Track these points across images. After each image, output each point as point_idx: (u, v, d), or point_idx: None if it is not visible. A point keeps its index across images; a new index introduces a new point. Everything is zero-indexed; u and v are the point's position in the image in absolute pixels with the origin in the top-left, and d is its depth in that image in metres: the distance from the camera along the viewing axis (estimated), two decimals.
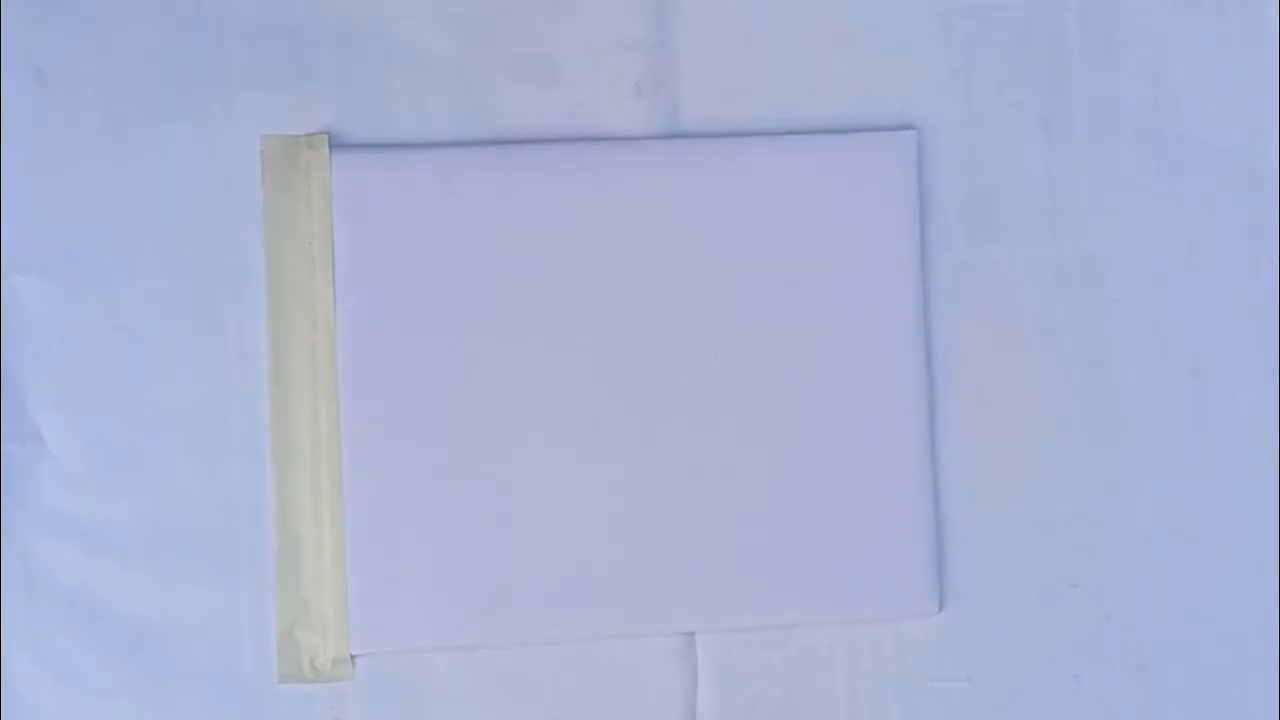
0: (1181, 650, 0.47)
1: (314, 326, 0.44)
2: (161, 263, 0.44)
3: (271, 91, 0.45)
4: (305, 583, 0.44)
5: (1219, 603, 0.47)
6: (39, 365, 0.44)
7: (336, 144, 0.44)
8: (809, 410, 0.46)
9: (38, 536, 0.44)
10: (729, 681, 0.46)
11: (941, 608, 0.46)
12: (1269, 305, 0.48)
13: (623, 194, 0.45)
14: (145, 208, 0.44)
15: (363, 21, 0.45)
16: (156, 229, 0.44)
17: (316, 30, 0.45)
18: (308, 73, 0.45)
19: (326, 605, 0.44)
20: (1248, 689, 0.47)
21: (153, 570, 0.44)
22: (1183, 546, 0.47)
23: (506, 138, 0.45)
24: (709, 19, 0.46)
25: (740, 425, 0.45)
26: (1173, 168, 0.48)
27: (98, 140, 0.44)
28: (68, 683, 0.44)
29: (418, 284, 0.44)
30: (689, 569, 0.45)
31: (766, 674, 0.46)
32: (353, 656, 0.44)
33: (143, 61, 0.44)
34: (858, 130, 0.46)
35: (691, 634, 0.46)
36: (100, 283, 0.44)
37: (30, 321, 0.44)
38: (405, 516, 0.44)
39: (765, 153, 0.45)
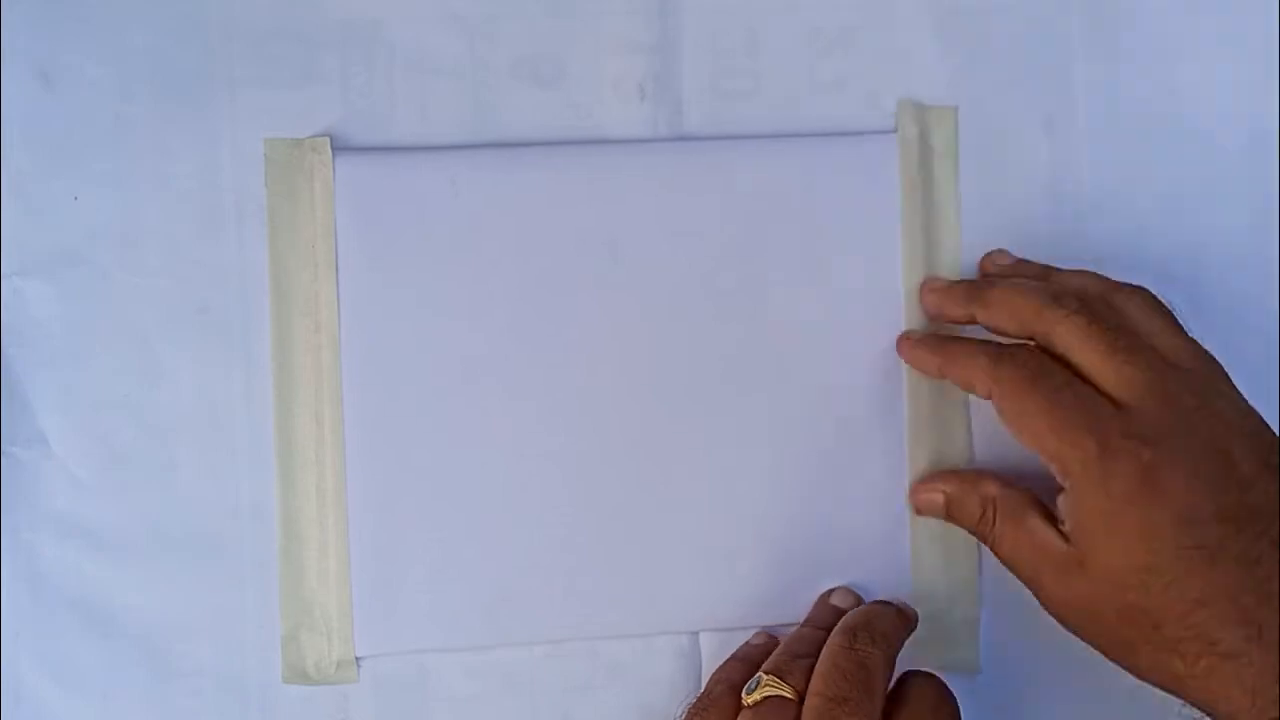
0: None
1: (317, 329, 0.44)
2: (165, 265, 0.44)
3: (274, 94, 0.44)
4: (310, 585, 0.44)
5: None
6: (42, 367, 0.44)
7: (340, 146, 0.44)
8: (814, 411, 0.46)
9: (42, 539, 0.44)
10: None
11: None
12: (1270, 304, 0.48)
13: (627, 196, 0.45)
14: (148, 210, 0.44)
15: (365, 24, 0.45)
16: (160, 231, 0.44)
17: (319, 32, 0.45)
18: (311, 75, 0.45)
19: (331, 607, 0.44)
20: None
21: (157, 572, 0.44)
22: None
23: (510, 140, 0.45)
24: (712, 21, 0.46)
25: (744, 426, 0.45)
26: (1175, 168, 0.48)
27: (101, 142, 0.44)
28: (71, 684, 0.44)
29: (421, 286, 0.44)
30: (693, 568, 0.45)
31: None
32: (357, 659, 0.44)
33: (146, 63, 0.44)
34: (861, 132, 0.46)
35: (695, 633, 0.46)
36: (103, 285, 0.44)
37: (33, 324, 0.44)
38: (409, 518, 0.44)
39: (768, 154, 0.46)
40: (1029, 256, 0.46)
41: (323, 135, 0.44)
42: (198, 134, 0.44)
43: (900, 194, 0.46)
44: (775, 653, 0.42)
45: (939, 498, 0.44)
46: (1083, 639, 0.41)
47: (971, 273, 0.46)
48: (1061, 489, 0.40)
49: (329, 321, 0.44)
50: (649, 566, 0.45)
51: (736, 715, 0.40)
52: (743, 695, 0.40)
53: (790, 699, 0.39)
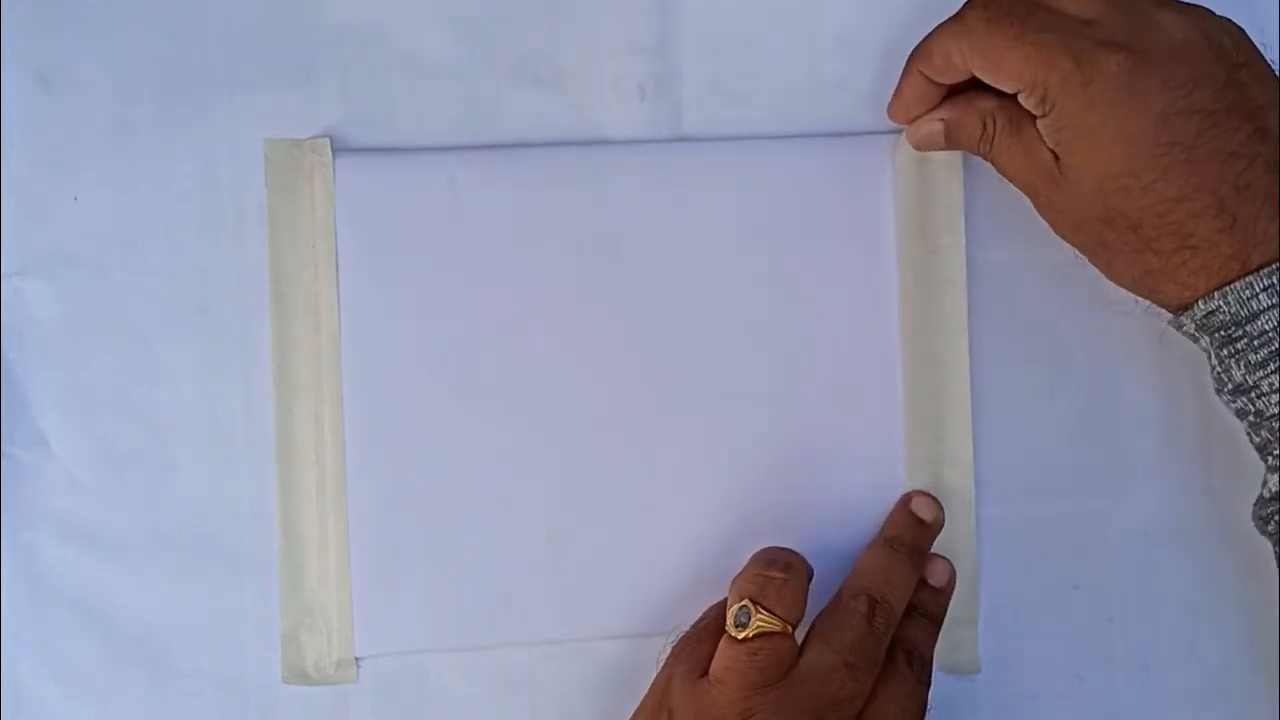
0: (1182, 650, 0.47)
1: (317, 329, 0.44)
2: (165, 265, 0.44)
3: (274, 95, 0.45)
4: (309, 585, 0.44)
5: (1219, 603, 0.47)
6: (42, 368, 0.44)
7: (340, 147, 0.44)
8: (811, 413, 0.46)
9: (41, 539, 0.44)
10: None
11: None
12: None
13: (626, 197, 0.45)
14: (149, 211, 0.44)
15: (365, 25, 0.45)
16: (160, 232, 0.44)
17: (319, 34, 0.45)
18: (311, 76, 0.45)
19: (331, 608, 0.44)
20: (1248, 689, 0.47)
21: (157, 573, 0.44)
22: (1183, 547, 0.47)
23: (509, 141, 0.45)
24: (711, 22, 0.46)
25: (742, 429, 0.45)
26: None
27: (101, 143, 0.44)
28: (71, 685, 0.44)
29: (421, 287, 0.44)
30: (691, 569, 0.45)
31: None
32: (357, 659, 0.44)
33: (146, 65, 0.44)
34: (859, 133, 0.46)
35: None
36: (104, 285, 0.44)
37: (34, 324, 0.44)
38: (409, 519, 0.44)
39: (768, 155, 0.46)
40: (1027, 255, 0.46)
41: (323, 136, 0.44)
42: (197, 135, 0.44)
43: (899, 194, 0.46)
44: (748, 570, 0.42)
45: (938, 126, 0.43)
46: (1070, 244, 0.42)
47: (972, 273, 0.46)
48: (1042, 117, 0.40)
49: (329, 321, 0.44)
50: (647, 567, 0.45)
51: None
52: (729, 627, 0.40)
53: (784, 633, 0.40)
